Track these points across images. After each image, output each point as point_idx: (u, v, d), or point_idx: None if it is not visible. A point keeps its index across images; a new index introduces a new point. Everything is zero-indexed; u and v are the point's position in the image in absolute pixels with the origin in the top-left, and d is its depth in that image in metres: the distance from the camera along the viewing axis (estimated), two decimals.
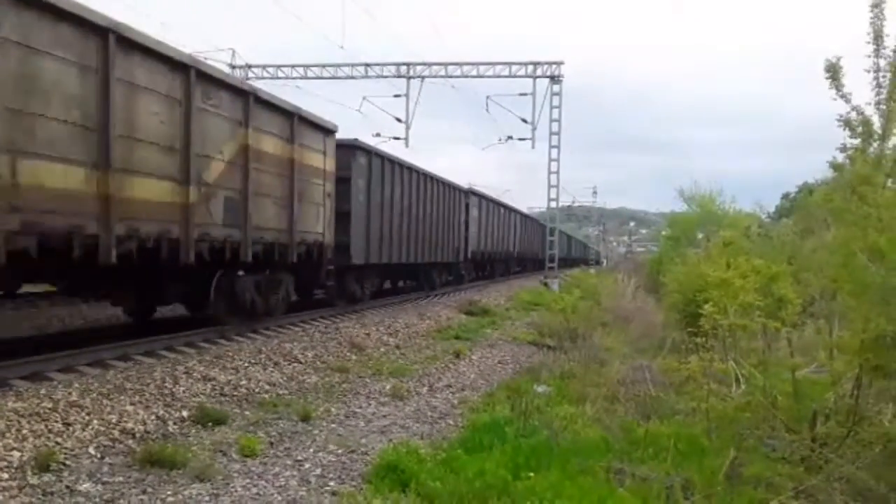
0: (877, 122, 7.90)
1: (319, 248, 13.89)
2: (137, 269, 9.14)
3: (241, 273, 11.71)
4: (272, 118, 11.90)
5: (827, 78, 7.73)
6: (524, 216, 42.14)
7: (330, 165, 14.33)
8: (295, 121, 12.52)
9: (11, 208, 6.82)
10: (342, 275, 15.79)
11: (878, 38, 7.81)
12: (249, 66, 33.12)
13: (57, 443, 5.70)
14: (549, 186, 32.93)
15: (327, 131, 14.13)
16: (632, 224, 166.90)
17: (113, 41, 8.02)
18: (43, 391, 6.75)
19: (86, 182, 7.79)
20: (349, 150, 15.64)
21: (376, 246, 17.18)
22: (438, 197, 22.89)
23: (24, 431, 5.71)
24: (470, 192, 27.77)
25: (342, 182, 15.09)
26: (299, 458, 6.12)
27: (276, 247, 12.17)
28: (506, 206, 35.99)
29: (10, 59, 6.80)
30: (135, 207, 8.54)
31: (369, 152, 16.87)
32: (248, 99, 10.98)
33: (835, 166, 8.53)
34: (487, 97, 32.83)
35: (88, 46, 7.77)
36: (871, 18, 7.99)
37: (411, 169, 20.09)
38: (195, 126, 9.61)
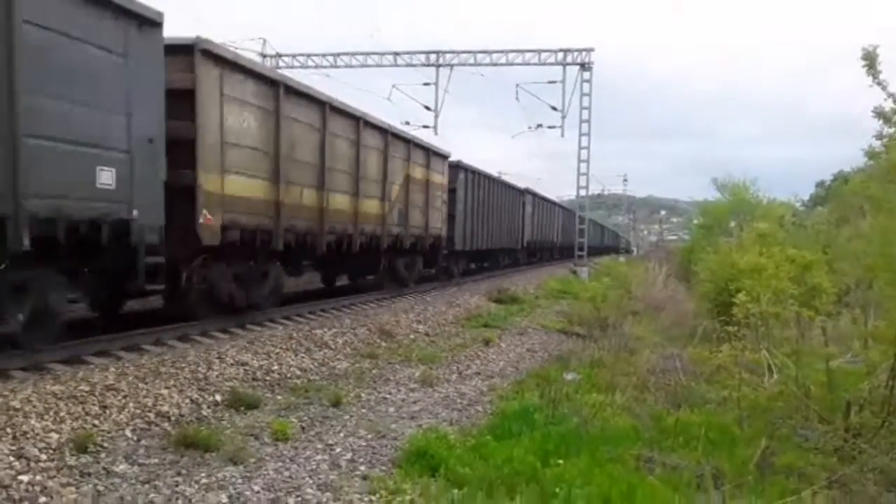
0: None
1: (439, 239, 19.68)
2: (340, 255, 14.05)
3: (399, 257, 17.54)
4: (420, 153, 18.02)
5: (864, 66, 7.60)
6: (564, 209, 43.24)
7: (445, 181, 20.13)
8: (430, 153, 18.77)
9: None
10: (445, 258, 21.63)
11: None
12: (280, 56, 33.32)
13: (94, 425, 5.82)
14: (579, 174, 32.83)
15: (444, 157, 20.09)
16: (662, 213, 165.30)
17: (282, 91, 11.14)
18: (80, 374, 6.88)
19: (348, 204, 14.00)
20: (455, 168, 21.38)
21: (469, 237, 22.87)
22: (504, 197, 27.87)
23: (63, 414, 5.84)
24: (526, 192, 32.10)
25: (451, 192, 20.78)
26: (330, 442, 6.19)
27: (419, 239, 18.06)
28: (551, 202, 39.81)
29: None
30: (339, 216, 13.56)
31: (466, 169, 22.54)
32: (409, 144, 17.29)
33: (870, 154, 8.39)
34: (517, 85, 32.80)
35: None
36: None
37: (488, 177, 25.45)
38: (389, 165, 15.80)
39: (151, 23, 8.11)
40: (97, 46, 7.35)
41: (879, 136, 7.95)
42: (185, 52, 9.06)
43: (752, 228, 16.45)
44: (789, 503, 5.47)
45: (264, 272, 11.52)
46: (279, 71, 18.30)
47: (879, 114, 7.70)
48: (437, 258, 20.39)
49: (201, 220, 9.22)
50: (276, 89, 10.98)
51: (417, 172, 17.67)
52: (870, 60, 7.61)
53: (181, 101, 8.86)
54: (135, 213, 7.89)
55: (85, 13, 7.20)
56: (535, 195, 33.85)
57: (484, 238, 24.54)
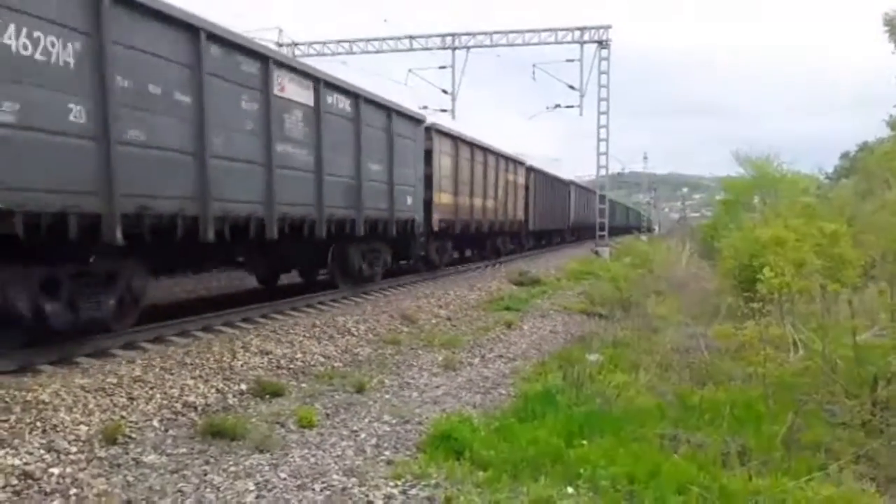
0: None
1: (521, 224, 27.10)
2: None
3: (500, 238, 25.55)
4: (510, 164, 25.16)
5: (886, 31, 7.46)
6: (598, 194, 42.46)
7: (523, 181, 27.21)
8: (514, 163, 25.83)
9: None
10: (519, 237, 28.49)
11: None
12: (296, 44, 33.33)
13: (122, 416, 5.90)
14: (598, 154, 32.58)
15: (522, 164, 27.09)
16: (685, 190, 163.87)
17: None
18: (108, 367, 6.99)
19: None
20: (528, 170, 28.17)
21: (537, 220, 29.90)
22: (556, 188, 34.61)
23: (91, 406, 5.93)
24: (570, 183, 38.46)
25: (526, 189, 27.66)
26: (355, 428, 6.23)
27: (511, 224, 25.51)
28: (588, 189, 43.58)
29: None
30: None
31: (534, 170, 29.31)
32: (507, 160, 24.65)
33: (893, 124, 8.26)
34: (534, 65, 32.62)
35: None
36: None
37: (545, 174, 31.78)
38: (498, 176, 23.44)
39: (420, 121, 16.28)
40: (406, 137, 15.17)
41: None
42: (427, 129, 17.15)
43: (795, 202, 16.25)
44: (816, 478, 5.45)
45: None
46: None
47: None
48: (521, 237, 28.41)
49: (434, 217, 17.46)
50: (456, 141, 19.27)
51: (509, 177, 25.11)
52: (892, 27, 7.47)
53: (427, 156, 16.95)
54: (416, 216, 15.70)
55: (406, 124, 15.18)
56: (577, 185, 40.58)
57: (546, 220, 31.70)
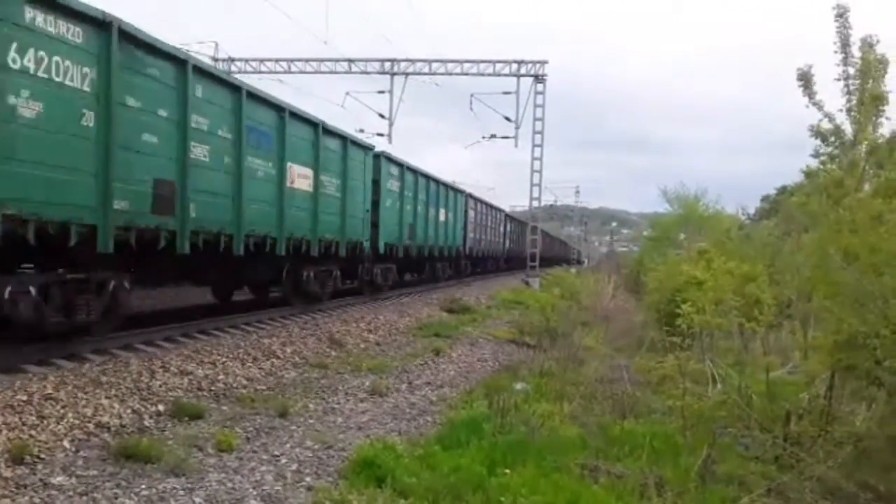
0: (848, 129, 8.01)
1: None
2: None
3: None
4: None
5: (800, 86, 7.82)
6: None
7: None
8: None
9: None
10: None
11: (844, 46, 7.91)
12: (232, 60, 32.96)
13: (31, 436, 5.65)
14: (532, 185, 33.13)
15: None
16: (613, 224, 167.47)
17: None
18: (18, 384, 6.68)
19: None
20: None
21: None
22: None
23: None
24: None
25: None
26: (276, 453, 6.12)
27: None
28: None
29: None
30: None
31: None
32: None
33: (808, 173, 8.65)
34: (472, 95, 33.00)
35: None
36: (837, 28, 8.09)
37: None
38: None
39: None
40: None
41: (816, 154, 8.19)
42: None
43: (694, 246, 16.80)
44: None
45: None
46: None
47: (816, 132, 7.92)
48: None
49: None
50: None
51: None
52: (805, 80, 7.84)
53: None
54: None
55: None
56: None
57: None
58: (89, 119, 7.64)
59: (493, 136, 33.96)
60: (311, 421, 7.33)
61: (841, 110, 8.15)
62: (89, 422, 6.23)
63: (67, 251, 7.69)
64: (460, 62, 32.09)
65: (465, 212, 29.53)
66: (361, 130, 30.20)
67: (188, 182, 9.41)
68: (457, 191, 27.04)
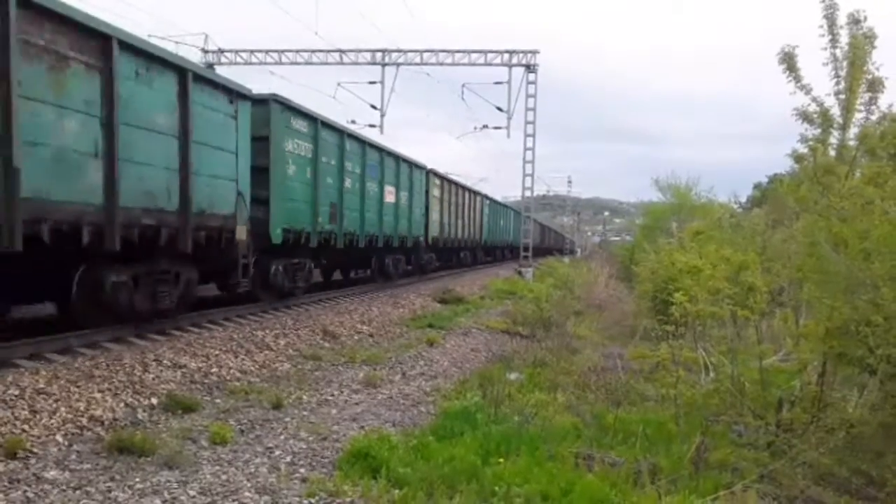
0: (837, 112, 7.98)
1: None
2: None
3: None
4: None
5: (784, 70, 7.75)
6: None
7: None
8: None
9: None
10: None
11: (832, 27, 7.82)
12: (222, 51, 32.75)
13: (24, 430, 5.64)
14: (524, 175, 33.04)
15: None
16: (606, 214, 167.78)
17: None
18: (10, 378, 6.65)
19: None
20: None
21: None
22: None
23: None
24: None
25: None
26: (270, 445, 6.12)
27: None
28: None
29: None
30: None
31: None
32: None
33: (796, 157, 8.62)
34: (463, 85, 32.87)
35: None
36: (824, 9, 8.01)
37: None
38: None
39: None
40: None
41: (804, 139, 8.17)
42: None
43: (688, 227, 16.82)
44: (721, 497, 5.62)
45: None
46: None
47: (802, 115, 7.88)
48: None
49: None
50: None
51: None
52: (789, 62, 7.73)
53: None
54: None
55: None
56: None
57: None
58: (309, 173, 14.16)
59: (484, 126, 33.93)
60: (305, 413, 7.32)
61: (829, 94, 8.11)
62: (82, 416, 6.22)
63: (296, 249, 13.86)
64: (451, 52, 31.97)
65: (427, 192, 24.29)
66: (353, 121, 30.18)
67: (343, 203, 15.84)
68: (414, 165, 21.48)
